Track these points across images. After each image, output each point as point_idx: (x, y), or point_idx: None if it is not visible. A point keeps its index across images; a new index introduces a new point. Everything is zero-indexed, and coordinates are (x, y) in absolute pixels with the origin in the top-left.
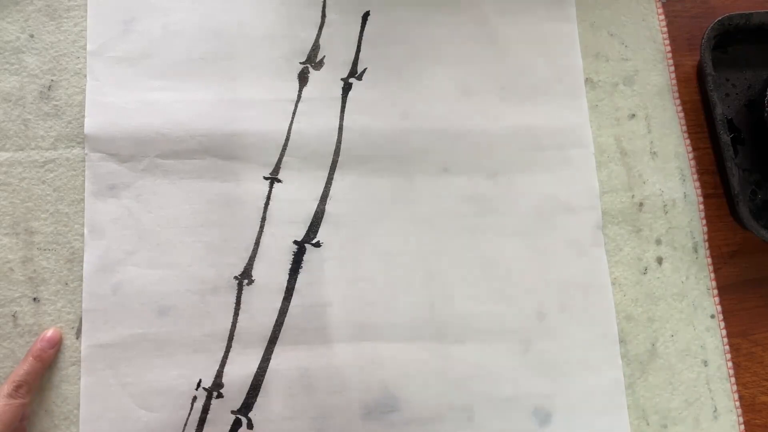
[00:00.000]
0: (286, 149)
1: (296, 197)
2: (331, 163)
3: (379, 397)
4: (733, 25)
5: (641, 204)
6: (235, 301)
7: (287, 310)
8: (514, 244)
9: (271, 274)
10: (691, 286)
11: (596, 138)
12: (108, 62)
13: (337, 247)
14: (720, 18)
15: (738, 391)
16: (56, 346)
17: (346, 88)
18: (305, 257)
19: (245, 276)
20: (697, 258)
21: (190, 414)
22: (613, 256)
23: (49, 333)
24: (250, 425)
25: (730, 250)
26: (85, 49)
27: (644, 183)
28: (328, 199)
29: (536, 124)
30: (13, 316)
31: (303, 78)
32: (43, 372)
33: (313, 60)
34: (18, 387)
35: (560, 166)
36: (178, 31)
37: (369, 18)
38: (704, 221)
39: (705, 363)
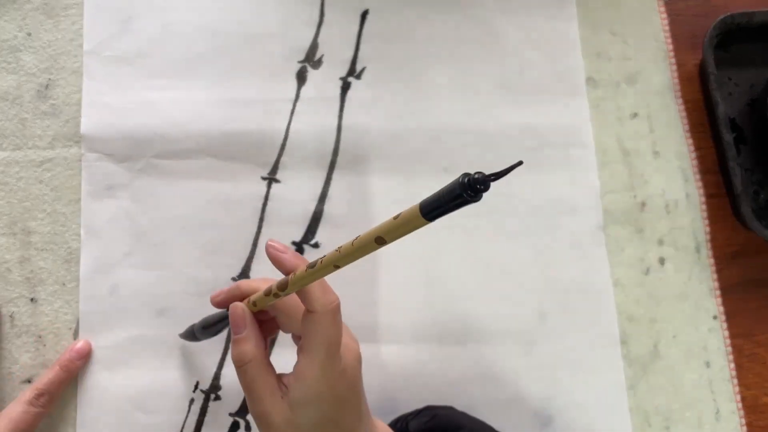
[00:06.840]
0: (284, 149)
1: (294, 198)
2: (330, 163)
3: (379, 398)
4: (735, 23)
5: (643, 204)
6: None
7: None
8: (514, 245)
9: (269, 275)
10: (693, 286)
11: (598, 137)
12: (105, 61)
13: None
14: (722, 17)
15: (740, 392)
16: (84, 357)
17: (345, 87)
18: None
19: (243, 277)
20: (699, 258)
21: (187, 416)
22: (614, 256)
23: (79, 344)
24: (248, 427)
25: (732, 251)
26: (83, 47)
27: (646, 183)
28: (327, 199)
29: (537, 124)
30: (11, 316)
31: (301, 77)
32: (68, 383)
33: (311, 59)
34: (39, 395)
35: (561, 165)
36: (175, 31)
37: (368, 17)
38: (707, 221)
39: (707, 364)
